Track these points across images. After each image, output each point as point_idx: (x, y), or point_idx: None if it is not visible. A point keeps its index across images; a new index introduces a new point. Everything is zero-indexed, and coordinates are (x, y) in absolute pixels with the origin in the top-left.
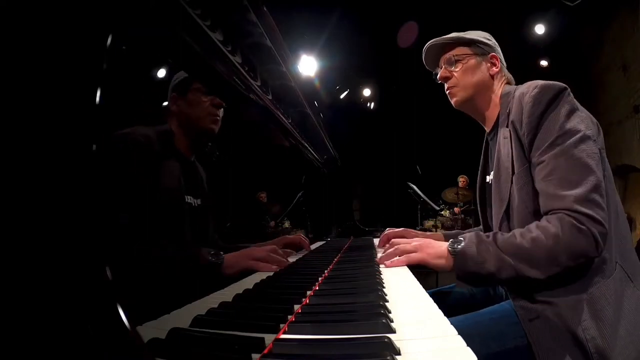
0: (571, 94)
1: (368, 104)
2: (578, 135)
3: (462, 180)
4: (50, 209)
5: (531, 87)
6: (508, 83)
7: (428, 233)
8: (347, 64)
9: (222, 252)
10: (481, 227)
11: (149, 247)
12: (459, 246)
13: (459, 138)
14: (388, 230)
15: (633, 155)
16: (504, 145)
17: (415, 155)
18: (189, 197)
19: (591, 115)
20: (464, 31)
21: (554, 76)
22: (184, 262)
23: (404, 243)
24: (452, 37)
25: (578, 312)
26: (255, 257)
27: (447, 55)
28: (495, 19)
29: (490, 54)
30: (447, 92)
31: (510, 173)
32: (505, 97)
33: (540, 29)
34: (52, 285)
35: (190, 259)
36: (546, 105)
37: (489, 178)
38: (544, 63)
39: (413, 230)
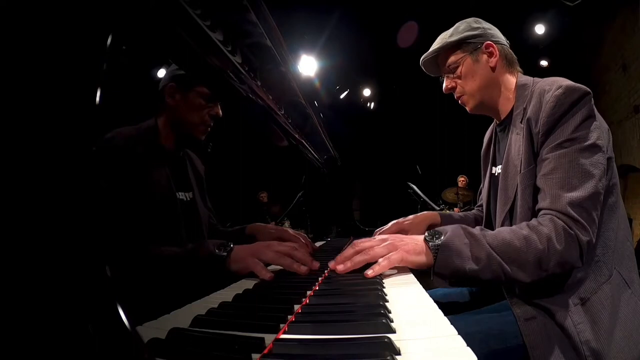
0: (592, 99)
1: (368, 104)
2: (586, 143)
3: (461, 180)
4: (50, 209)
5: (554, 85)
6: (510, 66)
7: (424, 213)
8: (347, 64)
9: (231, 244)
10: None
11: (148, 246)
12: (440, 239)
13: (459, 138)
14: (378, 231)
15: (633, 155)
16: (515, 141)
17: (415, 155)
18: (179, 193)
19: (605, 123)
20: (452, 25)
21: (553, 76)
22: (192, 256)
23: (369, 246)
24: (439, 47)
25: (573, 315)
26: (279, 251)
27: (445, 67)
28: (495, 19)
29: (484, 44)
30: (458, 101)
31: (518, 172)
32: (521, 89)
33: (540, 29)
34: (52, 285)
35: (196, 253)
36: (568, 107)
37: (495, 170)
38: (544, 63)
39: (402, 219)
